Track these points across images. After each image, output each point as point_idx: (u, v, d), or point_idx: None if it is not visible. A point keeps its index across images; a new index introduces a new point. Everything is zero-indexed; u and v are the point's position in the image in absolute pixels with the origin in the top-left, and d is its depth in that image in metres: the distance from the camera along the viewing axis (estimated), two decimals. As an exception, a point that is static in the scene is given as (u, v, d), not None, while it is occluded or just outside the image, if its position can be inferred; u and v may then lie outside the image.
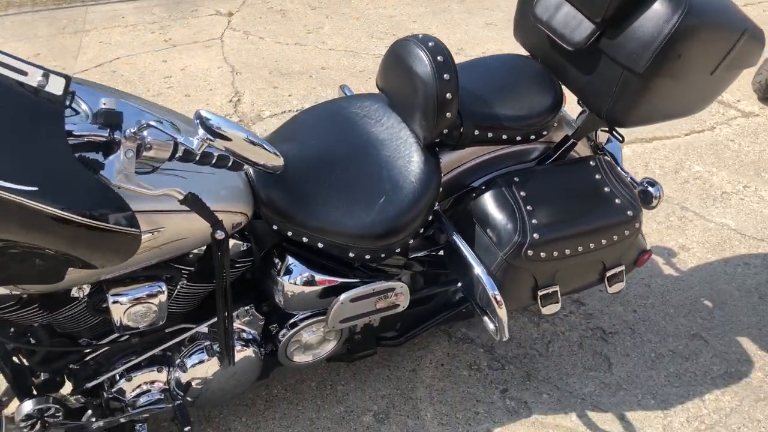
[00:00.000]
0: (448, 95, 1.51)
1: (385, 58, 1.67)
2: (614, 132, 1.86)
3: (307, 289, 1.57)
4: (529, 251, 1.56)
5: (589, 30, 1.57)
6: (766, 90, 3.44)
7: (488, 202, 1.62)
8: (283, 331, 1.66)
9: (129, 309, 1.35)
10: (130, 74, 3.65)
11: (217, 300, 1.41)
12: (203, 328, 1.56)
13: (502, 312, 1.55)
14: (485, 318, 1.67)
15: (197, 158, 1.17)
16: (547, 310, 1.66)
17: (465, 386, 1.96)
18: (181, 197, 1.22)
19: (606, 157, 1.79)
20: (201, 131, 1.12)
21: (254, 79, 3.67)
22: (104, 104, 1.11)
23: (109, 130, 1.10)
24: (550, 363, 2.05)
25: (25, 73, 0.98)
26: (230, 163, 1.22)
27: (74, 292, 1.32)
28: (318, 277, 1.57)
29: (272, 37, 4.22)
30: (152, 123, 1.10)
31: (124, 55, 3.86)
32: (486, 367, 2.03)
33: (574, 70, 1.67)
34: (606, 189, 1.68)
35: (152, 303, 1.37)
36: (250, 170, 1.48)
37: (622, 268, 1.74)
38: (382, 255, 1.57)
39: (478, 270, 1.56)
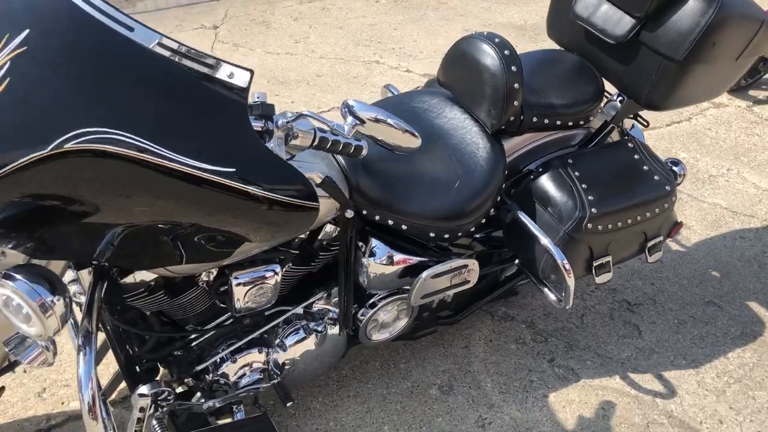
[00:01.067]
0: (516, 85, 1.67)
1: (450, 55, 1.81)
2: (639, 118, 2.06)
3: (390, 269, 1.70)
4: (588, 224, 1.73)
5: (630, 24, 1.76)
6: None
7: (547, 182, 1.79)
8: (363, 311, 1.78)
9: (249, 290, 1.45)
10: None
11: (339, 273, 1.54)
12: (299, 310, 1.67)
13: (570, 280, 1.72)
14: (545, 290, 1.83)
15: (329, 146, 1.29)
16: (601, 279, 1.84)
17: (515, 358, 2.12)
18: (320, 180, 1.34)
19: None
20: (350, 119, 1.25)
21: (254, 88, 3.77)
22: (257, 98, 1.23)
23: (264, 120, 1.22)
24: (587, 333, 2.23)
25: (213, 67, 1.09)
26: (352, 150, 1.34)
27: (203, 277, 1.42)
28: (399, 257, 1.70)
29: (262, 47, 4.32)
30: (305, 112, 1.22)
31: (122, 68, 3.90)
32: (531, 340, 2.19)
33: (613, 61, 1.86)
34: (645, 167, 1.87)
35: (268, 284, 1.48)
36: (341, 158, 1.60)
37: (660, 238, 1.93)
38: (459, 234, 1.71)
39: (546, 242, 1.72)
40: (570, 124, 1.84)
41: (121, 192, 1.05)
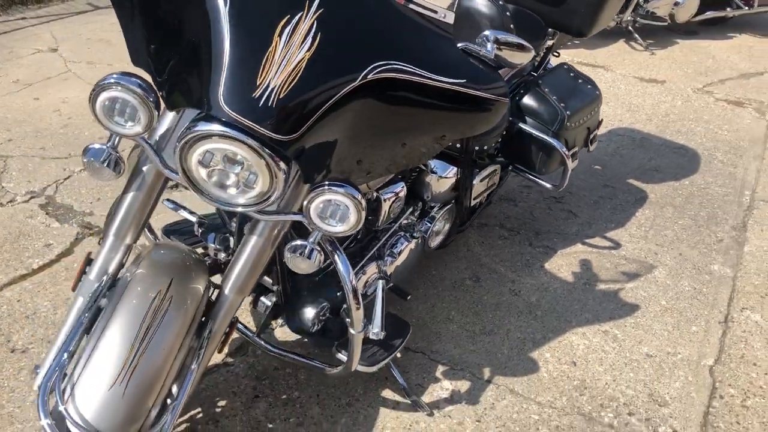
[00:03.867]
0: (512, 26, 2.24)
1: (457, 15, 2.32)
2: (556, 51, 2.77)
3: (448, 182, 2.18)
4: (567, 123, 2.37)
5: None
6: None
7: (530, 99, 2.39)
8: (425, 225, 2.22)
9: (392, 203, 1.85)
10: (13, 115, 3.61)
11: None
12: (405, 220, 2.07)
13: (570, 164, 2.34)
14: (540, 181, 2.44)
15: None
16: (573, 164, 2.49)
17: (506, 248, 2.71)
18: None
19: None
20: (490, 45, 1.70)
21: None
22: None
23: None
24: (542, 223, 2.89)
25: (434, 12, 1.48)
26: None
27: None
28: (454, 171, 2.18)
29: (119, 61, 4.38)
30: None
31: (-4, 97, 3.76)
32: (509, 235, 2.79)
33: (547, 7, 2.50)
34: (580, 80, 2.56)
35: (401, 198, 1.89)
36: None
37: (597, 131, 2.64)
38: (493, 145, 2.25)
39: (548, 139, 2.32)
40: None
41: (403, 110, 1.42)
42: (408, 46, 1.41)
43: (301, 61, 1.28)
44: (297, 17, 1.29)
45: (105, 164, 1.39)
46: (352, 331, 1.63)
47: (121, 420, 1.25)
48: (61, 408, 1.21)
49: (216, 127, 1.25)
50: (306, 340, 2.07)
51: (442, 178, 2.14)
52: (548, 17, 2.51)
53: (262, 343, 1.88)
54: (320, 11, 1.31)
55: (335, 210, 1.40)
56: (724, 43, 5.25)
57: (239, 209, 1.36)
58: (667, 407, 1.99)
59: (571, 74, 2.55)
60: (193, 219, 1.95)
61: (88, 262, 1.55)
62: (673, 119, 3.92)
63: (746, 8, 5.33)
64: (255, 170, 1.31)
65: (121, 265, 1.53)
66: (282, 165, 1.29)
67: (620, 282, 2.52)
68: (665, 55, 4.96)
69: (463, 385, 2.03)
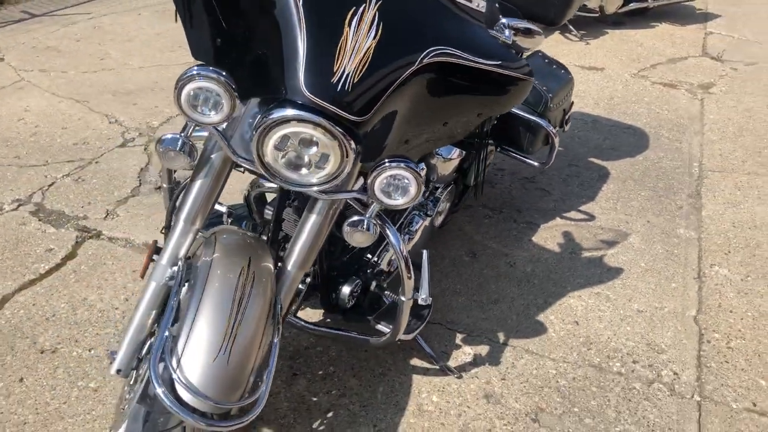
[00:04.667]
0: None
1: None
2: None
3: (453, 163, 2.34)
4: (551, 104, 2.58)
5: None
6: None
7: (516, 83, 2.58)
8: (430, 205, 2.38)
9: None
10: (-15, 122, 3.53)
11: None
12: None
13: (557, 141, 2.55)
14: (528, 160, 2.64)
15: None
16: (556, 142, 2.70)
17: (494, 226, 2.89)
18: None
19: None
20: (507, 31, 1.86)
21: (107, 102, 3.87)
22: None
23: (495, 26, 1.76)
24: (521, 201, 3.09)
25: (470, 1, 1.62)
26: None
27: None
28: (457, 152, 2.34)
29: (73, 69, 4.34)
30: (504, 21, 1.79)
31: (-45, 108, 3.66)
32: (492, 215, 2.98)
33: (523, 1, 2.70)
34: (554, 66, 2.78)
35: (423, 178, 2.03)
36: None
37: (570, 112, 2.87)
38: (489, 126, 2.42)
39: (536, 120, 2.52)
40: (516, 44, 2.65)
41: (449, 91, 1.56)
42: (454, 33, 1.56)
43: (369, 48, 1.40)
44: (361, 8, 1.41)
45: (182, 152, 1.47)
46: (402, 298, 1.76)
47: (227, 386, 1.34)
48: (175, 376, 1.29)
49: (298, 112, 1.36)
50: (338, 317, 2.18)
51: (448, 160, 2.29)
52: (525, 8, 2.71)
53: (303, 323, 1.98)
54: (380, 2, 1.44)
55: (397, 185, 1.53)
56: (649, 32, 5.64)
57: (313, 188, 1.47)
58: (665, 354, 2.22)
59: (546, 60, 2.76)
60: (223, 209, 2.03)
61: (156, 250, 1.62)
62: (617, 102, 4.22)
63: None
64: (328, 151, 1.42)
65: (189, 249, 1.60)
66: (353, 144, 1.41)
67: (601, 249, 2.75)
68: (599, 44, 5.30)
69: (483, 349, 2.20)
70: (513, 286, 2.49)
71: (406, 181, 1.51)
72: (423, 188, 1.54)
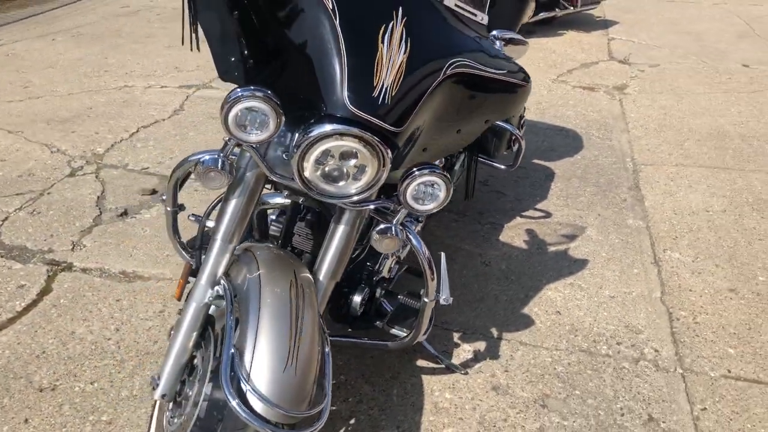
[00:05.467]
0: None
1: None
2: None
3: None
4: (513, 109, 2.73)
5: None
6: None
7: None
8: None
9: None
10: None
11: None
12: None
13: (523, 143, 2.70)
14: (495, 164, 2.78)
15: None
16: (523, 144, 2.85)
17: (461, 228, 3.02)
18: None
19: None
20: (498, 43, 1.98)
21: (43, 131, 3.74)
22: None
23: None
24: (480, 204, 3.24)
25: (475, 15, 1.72)
26: None
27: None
28: (441, 159, 2.45)
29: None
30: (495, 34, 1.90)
31: None
32: (458, 218, 3.11)
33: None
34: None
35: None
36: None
37: (525, 116, 3.04)
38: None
39: (502, 123, 2.65)
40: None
41: (465, 99, 1.66)
42: (468, 46, 1.66)
43: (402, 62, 1.49)
44: (390, 24, 1.50)
45: (222, 171, 1.49)
46: (425, 299, 1.84)
47: (297, 396, 1.37)
48: (248, 387, 1.31)
49: (345, 126, 1.42)
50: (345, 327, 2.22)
51: (432, 167, 2.39)
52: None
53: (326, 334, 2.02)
54: (405, 19, 1.52)
55: (426, 191, 1.61)
56: (558, 39, 5.99)
57: (352, 198, 1.53)
58: (643, 333, 2.40)
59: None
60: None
61: (192, 272, 1.62)
62: (545, 107, 4.47)
63: (571, 8, 6.13)
64: (366, 162, 1.49)
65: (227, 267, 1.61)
66: (389, 154, 1.48)
67: (564, 243, 2.93)
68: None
69: (481, 345, 2.30)
70: (493, 284, 2.62)
71: (436, 186, 1.59)
72: (451, 192, 1.62)
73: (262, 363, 1.36)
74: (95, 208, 2.97)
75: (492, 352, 2.26)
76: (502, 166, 2.75)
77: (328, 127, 1.42)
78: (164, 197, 1.91)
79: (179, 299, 1.64)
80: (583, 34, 6.16)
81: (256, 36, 1.50)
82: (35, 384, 2.04)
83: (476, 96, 1.71)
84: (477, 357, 2.24)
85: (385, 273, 2.14)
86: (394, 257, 2.18)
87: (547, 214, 3.15)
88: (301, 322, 1.43)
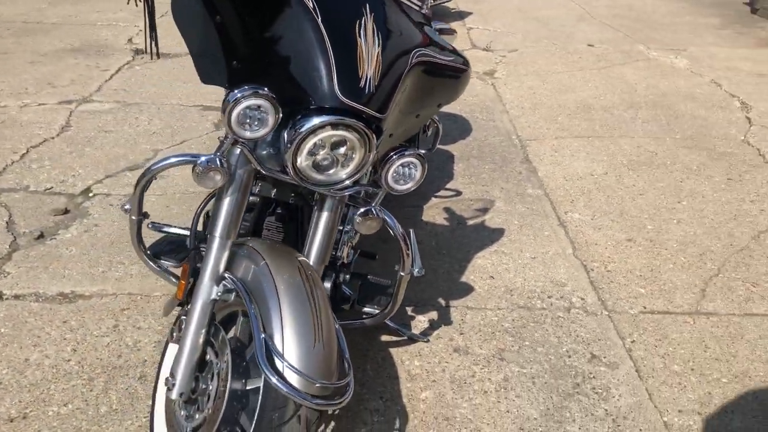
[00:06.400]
0: None
1: None
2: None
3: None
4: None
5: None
6: None
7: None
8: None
9: None
10: None
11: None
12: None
13: (440, 127, 2.91)
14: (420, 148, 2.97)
15: None
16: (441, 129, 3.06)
17: (386, 214, 3.19)
18: None
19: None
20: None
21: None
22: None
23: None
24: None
25: (420, 7, 1.87)
26: None
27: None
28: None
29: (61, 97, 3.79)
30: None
31: None
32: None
33: None
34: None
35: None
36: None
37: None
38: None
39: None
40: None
41: (424, 86, 1.82)
42: (423, 36, 1.83)
43: (377, 54, 1.63)
44: (363, 20, 1.63)
45: (220, 170, 1.56)
46: (402, 273, 1.99)
47: (328, 369, 1.47)
48: (284, 365, 1.40)
49: (339, 117, 1.54)
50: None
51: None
52: None
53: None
54: (373, 14, 1.67)
55: (403, 172, 1.76)
56: (423, 32, 6.31)
57: (344, 183, 1.65)
58: (567, 286, 2.70)
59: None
60: (187, 232, 2.08)
61: (193, 272, 1.67)
62: (428, 95, 4.73)
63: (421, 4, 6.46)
64: (354, 148, 1.62)
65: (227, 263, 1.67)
66: (375, 139, 1.63)
67: (479, 216, 3.18)
68: (387, 46, 5.82)
69: (434, 315, 2.49)
70: (429, 259, 2.81)
71: (412, 166, 1.75)
72: (426, 170, 1.79)
73: (293, 342, 1.45)
74: (7, 233, 2.84)
75: (445, 320, 2.45)
76: (423, 150, 2.94)
77: (323, 118, 1.53)
78: (128, 207, 1.92)
79: (180, 301, 1.67)
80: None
81: (239, 39, 1.57)
82: (3, 415, 1.97)
83: (434, 82, 1.88)
84: (433, 326, 2.42)
85: (345, 258, 2.26)
86: (350, 243, 2.30)
87: (458, 192, 3.39)
88: (317, 301, 1.54)
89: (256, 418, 1.44)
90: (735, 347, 2.38)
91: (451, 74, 1.92)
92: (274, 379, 1.38)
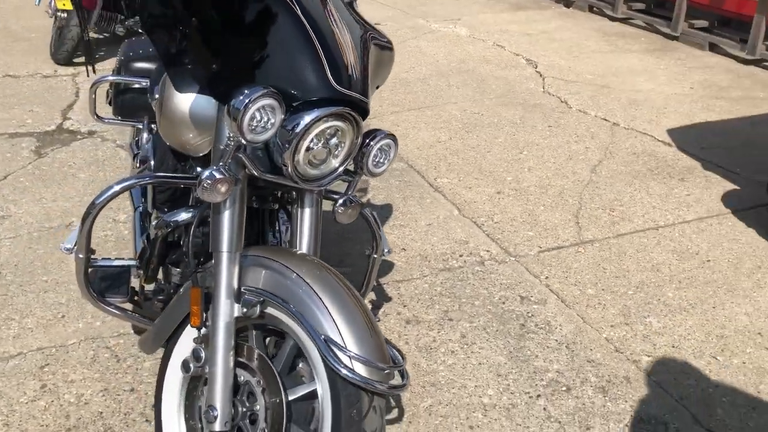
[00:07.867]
0: None
1: None
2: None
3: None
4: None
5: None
6: None
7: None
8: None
9: None
10: None
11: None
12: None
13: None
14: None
15: None
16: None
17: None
18: None
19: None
20: None
21: None
22: None
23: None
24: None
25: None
26: None
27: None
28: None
29: None
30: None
31: None
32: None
33: None
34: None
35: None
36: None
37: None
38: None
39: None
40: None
41: (376, 65, 1.86)
42: (360, 18, 1.88)
43: (350, 40, 1.66)
44: (328, 8, 1.65)
45: (230, 179, 1.49)
46: (374, 256, 2.03)
47: (385, 354, 1.50)
48: (351, 355, 1.40)
49: (337, 107, 1.55)
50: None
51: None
52: None
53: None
54: (328, 4, 1.69)
55: (379, 154, 1.81)
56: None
57: (338, 172, 1.66)
58: (470, 243, 2.91)
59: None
60: (133, 263, 1.94)
61: (206, 297, 1.57)
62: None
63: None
64: (345, 135, 1.64)
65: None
66: (361, 123, 1.67)
67: (363, 197, 3.28)
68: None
69: (371, 295, 2.55)
70: (343, 246, 2.86)
71: (389, 147, 1.80)
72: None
73: (350, 335, 1.45)
74: None
75: (383, 297, 2.53)
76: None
77: (324, 110, 1.53)
78: (68, 246, 1.74)
79: (197, 327, 1.57)
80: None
81: (217, 42, 1.50)
82: None
83: (381, 62, 1.93)
84: (375, 305, 2.49)
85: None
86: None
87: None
88: (351, 291, 1.55)
89: (331, 421, 1.43)
90: (624, 264, 2.76)
91: (386, 55, 1.98)
92: (343, 372, 1.38)
